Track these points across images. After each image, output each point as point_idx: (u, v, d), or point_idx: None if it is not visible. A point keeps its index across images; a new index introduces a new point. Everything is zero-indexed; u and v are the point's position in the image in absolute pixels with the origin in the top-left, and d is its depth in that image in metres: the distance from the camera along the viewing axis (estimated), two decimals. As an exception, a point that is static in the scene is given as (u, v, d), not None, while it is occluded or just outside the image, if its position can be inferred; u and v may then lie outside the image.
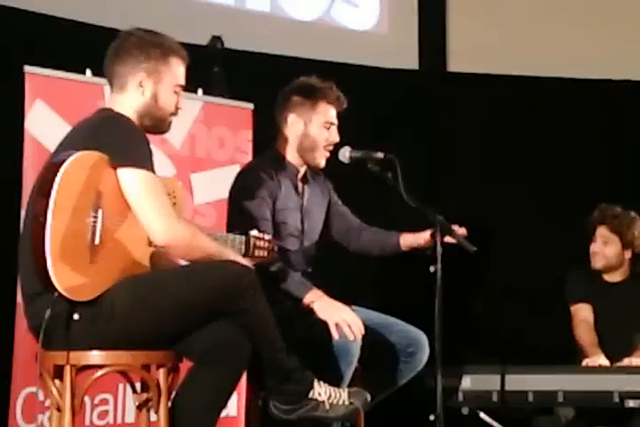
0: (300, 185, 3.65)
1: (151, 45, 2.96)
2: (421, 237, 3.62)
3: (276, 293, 3.25)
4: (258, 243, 3.15)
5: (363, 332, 3.27)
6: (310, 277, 3.59)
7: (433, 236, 3.48)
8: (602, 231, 4.38)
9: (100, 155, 2.73)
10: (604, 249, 4.37)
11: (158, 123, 3.00)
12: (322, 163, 3.62)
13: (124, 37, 2.98)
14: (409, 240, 3.70)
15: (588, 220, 4.43)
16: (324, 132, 3.59)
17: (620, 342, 4.14)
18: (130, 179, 2.76)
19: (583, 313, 4.34)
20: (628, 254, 4.39)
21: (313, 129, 3.59)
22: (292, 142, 3.62)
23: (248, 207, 3.44)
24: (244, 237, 3.12)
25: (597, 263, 4.38)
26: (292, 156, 3.63)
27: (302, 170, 3.65)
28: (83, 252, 2.67)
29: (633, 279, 4.40)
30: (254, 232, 3.16)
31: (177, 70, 3.01)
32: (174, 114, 3.03)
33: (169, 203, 2.84)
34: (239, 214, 3.45)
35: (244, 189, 3.50)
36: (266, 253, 3.17)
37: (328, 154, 3.61)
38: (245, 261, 2.92)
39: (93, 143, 2.74)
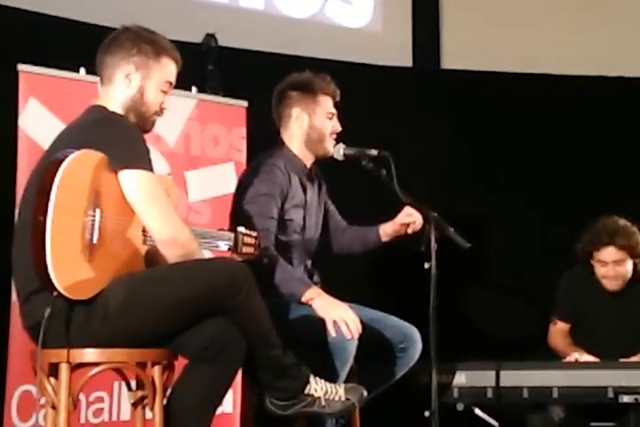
0: (305, 182, 3.66)
1: (145, 41, 2.97)
2: (406, 217, 3.64)
3: (270, 288, 3.26)
4: (245, 239, 3.16)
5: (360, 331, 3.26)
6: (310, 274, 3.60)
7: (407, 215, 3.60)
8: (610, 253, 4.16)
9: (98, 154, 2.73)
10: (619, 270, 4.18)
11: (141, 119, 2.99)
12: (330, 151, 3.66)
13: (120, 31, 3.00)
14: (388, 229, 3.71)
15: (590, 233, 4.22)
16: (328, 123, 3.64)
17: (614, 347, 4.11)
18: (131, 180, 2.76)
19: (560, 326, 4.34)
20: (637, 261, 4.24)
21: (318, 120, 3.63)
22: (298, 137, 3.64)
23: (256, 203, 3.44)
24: (232, 234, 3.13)
25: (614, 286, 4.20)
26: (299, 150, 3.65)
27: (309, 164, 3.67)
28: (81, 250, 2.67)
29: (631, 288, 4.24)
30: (242, 228, 3.16)
31: (167, 70, 3.01)
32: (159, 114, 3.03)
33: (170, 202, 2.86)
34: (245, 209, 3.45)
35: (254, 184, 3.50)
36: (252, 250, 3.18)
37: (334, 142, 3.65)
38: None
39: (90, 143, 2.73)
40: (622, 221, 4.23)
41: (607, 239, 4.17)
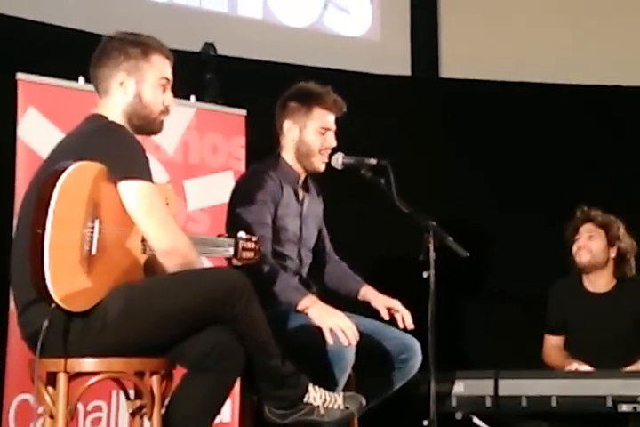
0: (300, 192, 3.65)
1: (130, 45, 2.95)
2: (383, 305, 3.61)
3: (268, 297, 3.25)
4: (245, 244, 3.15)
5: (358, 338, 3.26)
6: (306, 284, 3.59)
7: (390, 310, 3.58)
8: (587, 227, 4.32)
9: (97, 165, 2.73)
10: (590, 243, 4.28)
11: (147, 122, 2.98)
12: (320, 167, 3.62)
13: (105, 41, 2.99)
14: (369, 297, 3.68)
15: (570, 222, 4.37)
16: (318, 138, 3.59)
17: (606, 354, 4.11)
18: (130, 191, 2.76)
19: (553, 342, 4.35)
20: (612, 253, 4.30)
21: (308, 135, 3.59)
22: (289, 148, 3.63)
23: (249, 211, 3.44)
24: (232, 240, 3.13)
25: (583, 257, 4.28)
26: (291, 161, 3.63)
27: (303, 176, 3.66)
28: (80, 262, 2.66)
29: (619, 288, 4.30)
30: (242, 234, 3.16)
31: (160, 66, 2.98)
32: (164, 113, 3.01)
33: (169, 212, 2.85)
34: (239, 218, 3.44)
35: (247, 192, 3.50)
36: (253, 255, 3.17)
37: (326, 159, 3.61)
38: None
39: (89, 154, 2.73)
40: (613, 217, 4.36)
41: (587, 216, 4.34)
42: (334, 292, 3.76)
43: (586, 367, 4.03)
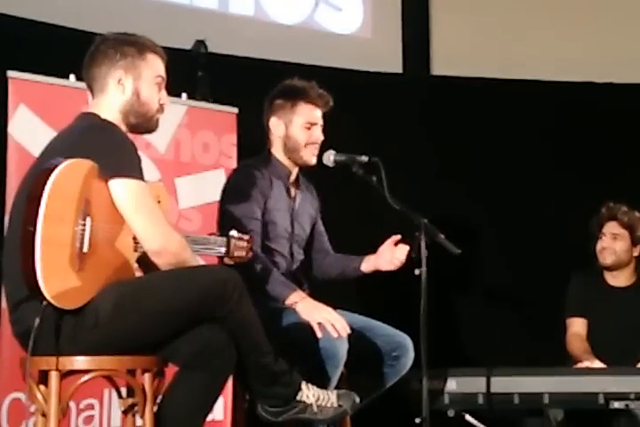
0: (292, 189, 3.66)
1: (126, 44, 2.97)
2: (379, 258, 3.63)
3: (259, 294, 3.25)
4: (237, 243, 3.16)
5: (348, 330, 3.27)
6: (297, 280, 3.59)
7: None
8: (611, 227, 4.35)
9: (89, 162, 2.72)
10: (614, 244, 4.33)
11: (144, 120, 2.99)
12: (311, 160, 3.63)
13: (99, 42, 2.99)
14: (371, 262, 3.68)
15: (595, 218, 4.40)
16: (304, 133, 3.60)
17: (622, 348, 4.12)
18: (121, 189, 2.76)
19: (576, 327, 4.33)
20: (636, 252, 4.37)
21: (293, 130, 3.60)
22: (277, 145, 3.64)
23: (238, 206, 3.45)
24: (224, 239, 3.13)
25: (607, 259, 4.33)
26: (281, 157, 3.65)
27: (294, 172, 3.66)
28: (71, 260, 2.65)
29: (639, 284, 4.37)
30: (234, 232, 3.17)
31: (155, 64, 3.00)
32: (160, 111, 3.02)
33: (160, 211, 2.85)
34: (229, 213, 3.47)
35: (235, 187, 3.53)
36: (244, 253, 3.18)
37: (316, 151, 3.62)
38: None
39: (80, 152, 2.73)
40: (638, 213, 4.40)
41: (612, 215, 4.36)
42: (340, 277, 3.77)
43: (598, 364, 4.01)
